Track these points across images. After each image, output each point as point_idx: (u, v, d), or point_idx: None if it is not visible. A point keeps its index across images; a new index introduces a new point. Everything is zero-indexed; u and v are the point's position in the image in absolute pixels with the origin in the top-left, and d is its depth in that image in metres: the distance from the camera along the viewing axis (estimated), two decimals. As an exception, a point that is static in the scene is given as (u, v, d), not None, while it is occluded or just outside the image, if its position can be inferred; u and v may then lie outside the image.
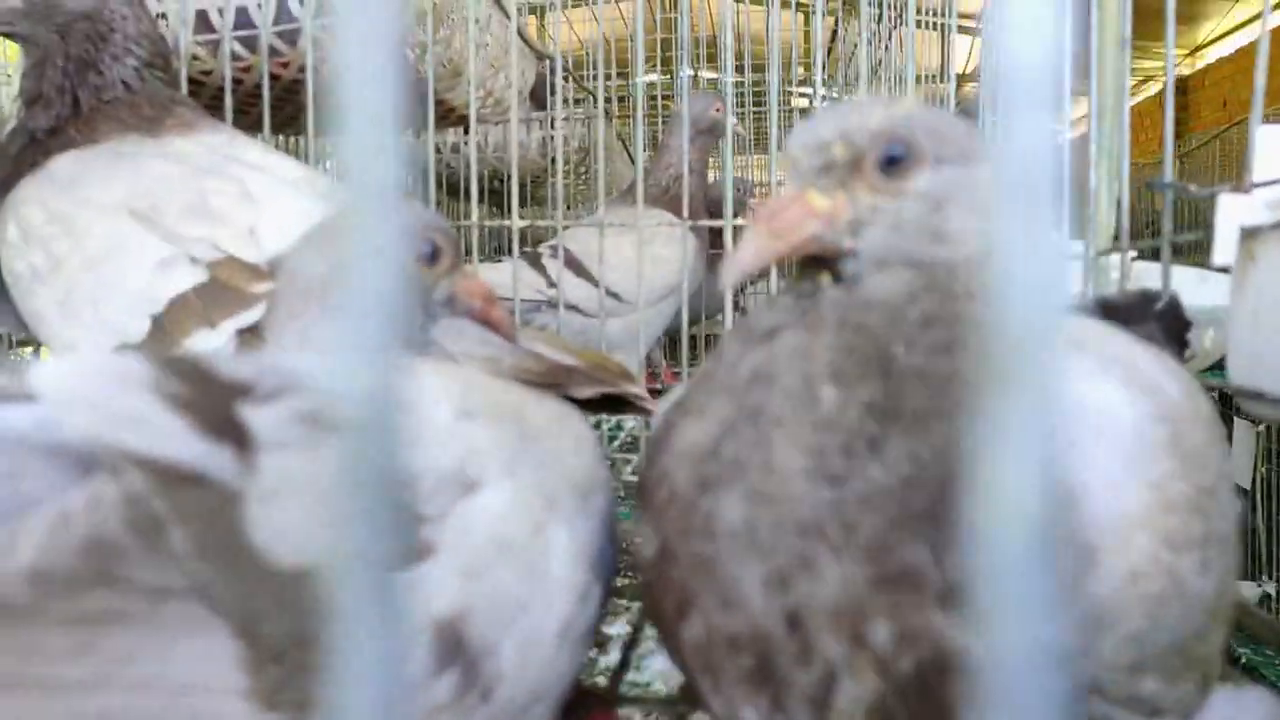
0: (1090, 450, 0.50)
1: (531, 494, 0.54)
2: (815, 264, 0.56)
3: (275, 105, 1.37)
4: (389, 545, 0.22)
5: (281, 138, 1.94)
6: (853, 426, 0.49)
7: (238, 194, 1.04)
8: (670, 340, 2.01)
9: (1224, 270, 0.83)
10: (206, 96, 1.35)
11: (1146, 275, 1.12)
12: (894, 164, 0.53)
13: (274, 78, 1.32)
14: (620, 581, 1.02)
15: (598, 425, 1.66)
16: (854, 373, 0.50)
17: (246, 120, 1.38)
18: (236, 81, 1.32)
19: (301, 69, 1.28)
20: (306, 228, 0.70)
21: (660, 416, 0.61)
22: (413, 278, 0.66)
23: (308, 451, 0.45)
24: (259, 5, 1.26)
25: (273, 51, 1.28)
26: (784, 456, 0.49)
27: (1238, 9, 3.45)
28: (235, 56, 1.29)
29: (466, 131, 1.35)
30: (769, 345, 0.53)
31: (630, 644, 0.98)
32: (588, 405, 0.74)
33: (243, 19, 1.28)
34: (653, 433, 0.60)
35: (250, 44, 1.29)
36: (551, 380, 0.69)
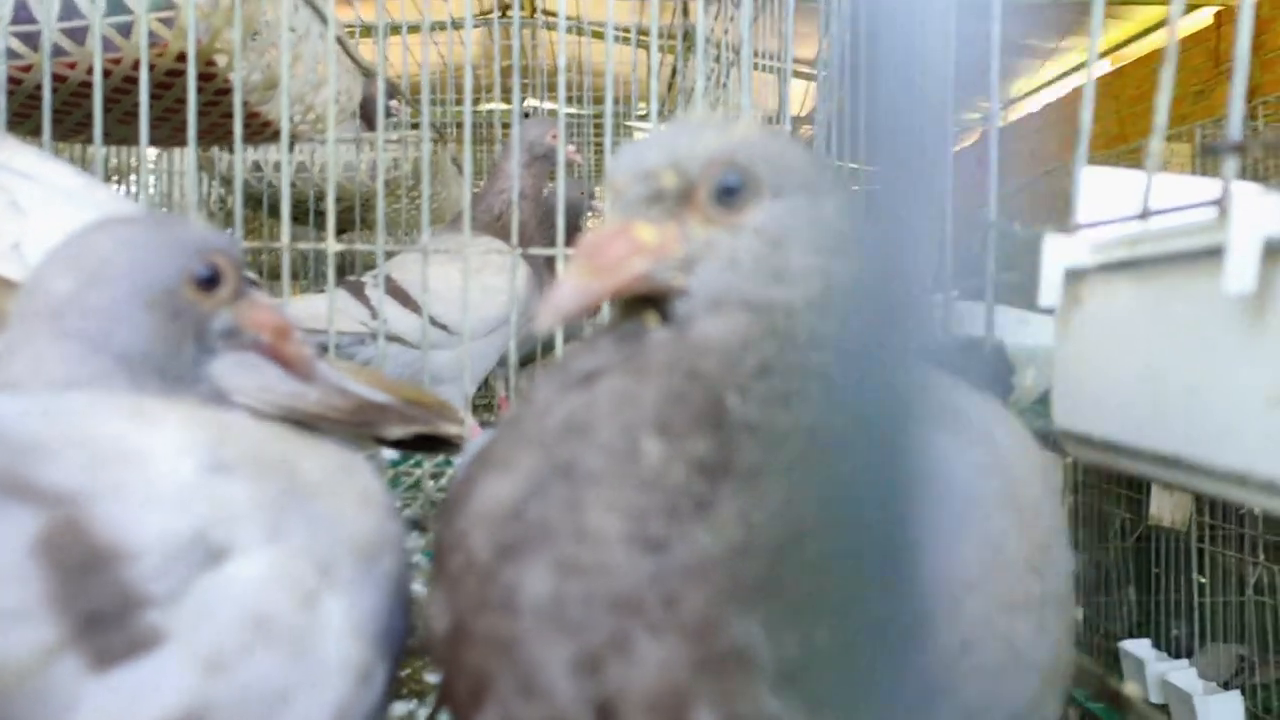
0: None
1: (300, 560, 0.46)
2: (640, 302, 0.51)
3: (61, 110, 1.23)
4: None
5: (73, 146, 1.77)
6: (678, 485, 0.44)
7: (3, 204, 0.92)
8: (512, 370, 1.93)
9: (1049, 311, 0.83)
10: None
11: (967, 314, 1.14)
12: (730, 194, 0.49)
13: (59, 79, 1.18)
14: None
15: (419, 463, 1.56)
16: (682, 425, 0.45)
17: (27, 126, 1.24)
18: (14, 82, 1.18)
19: (90, 70, 1.15)
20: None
21: (461, 468, 0.54)
22: (184, 304, 0.57)
23: None
24: (41, -2, 1.13)
25: (57, 50, 1.15)
26: (599, 520, 0.44)
27: (1045, 69, 3.69)
28: (13, 54, 1.16)
29: (290, 149, 1.25)
30: (586, 392, 0.47)
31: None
32: (403, 445, 0.68)
33: (23, 13, 1.15)
34: (450, 488, 0.53)
35: (31, 40, 1.16)
36: (360, 419, 0.62)
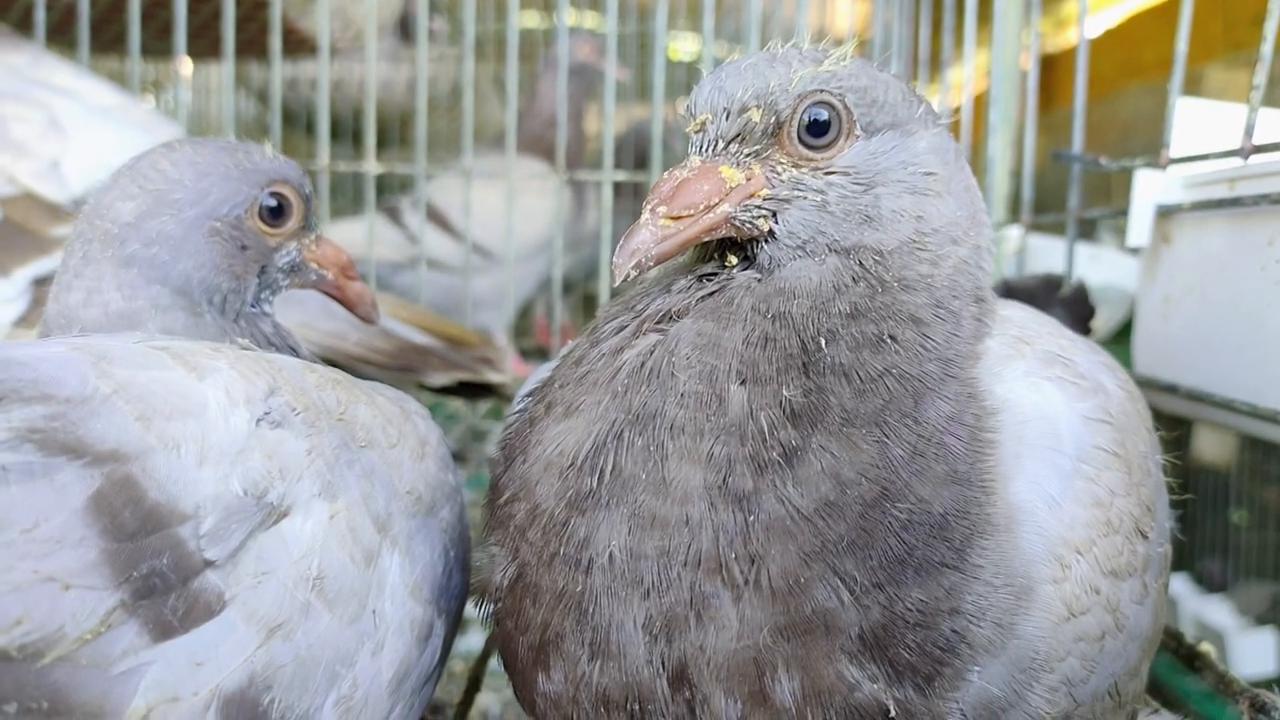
0: (1026, 462, 0.44)
1: (359, 516, 0.44)
2: (720, 242, 0.48)
3: (98, 24, 1.20)
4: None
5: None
6: (765, 434, 0.41)
7: (42, 121, 0.90)
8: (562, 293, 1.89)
9: (1134, 251, 0.79)
10: (17, 13, 1.17)
11: (1039, 250, 1.09)
12: (819, 133, 0.46)
13: (96, -8, 1.15)
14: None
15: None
16: (769, 370, 0.43)
17: (64, 40, 1.21)
18: (53, -7, 1.15)
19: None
20: (120, 162, 0.58)
21: (518, 406, 0.52)
22: (249, 236, 0.55)
23: (31, 484, 0.34)
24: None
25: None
26: (681, 472, 0.42)
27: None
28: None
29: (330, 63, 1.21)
30: (663, 334, 0.45)
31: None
32: (446, 391, 0.66)
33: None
34: (508, 427, 0.51)
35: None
36: (402, 363, 0.60)
